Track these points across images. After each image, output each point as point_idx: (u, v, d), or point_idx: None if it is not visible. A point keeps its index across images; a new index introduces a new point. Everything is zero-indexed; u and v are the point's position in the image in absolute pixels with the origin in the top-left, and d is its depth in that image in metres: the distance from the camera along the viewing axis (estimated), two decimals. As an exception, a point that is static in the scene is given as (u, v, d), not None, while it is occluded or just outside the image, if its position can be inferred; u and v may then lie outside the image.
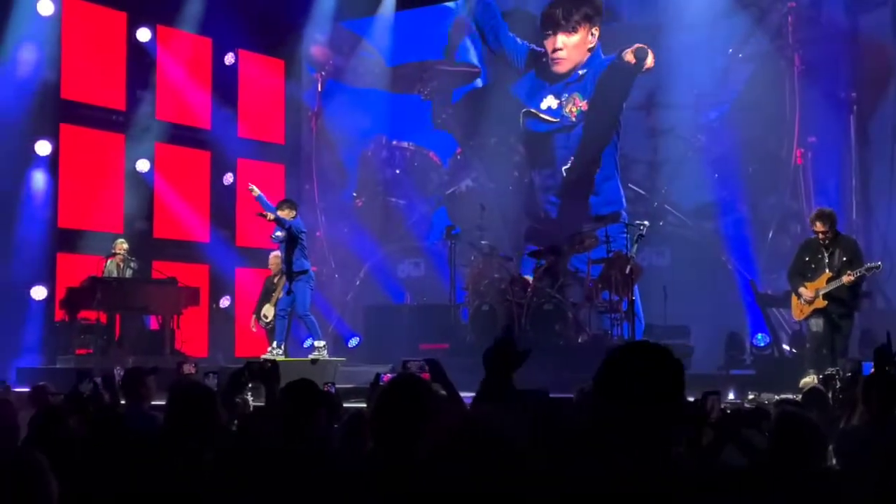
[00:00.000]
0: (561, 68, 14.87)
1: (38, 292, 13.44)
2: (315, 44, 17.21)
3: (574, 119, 14.76)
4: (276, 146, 17.05)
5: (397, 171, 16.75)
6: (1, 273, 12.82)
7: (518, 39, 15.48)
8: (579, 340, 11.85)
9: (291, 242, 11.57)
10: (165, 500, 3.00)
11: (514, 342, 2.58)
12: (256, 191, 11.58)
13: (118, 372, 6.19)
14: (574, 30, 14.71)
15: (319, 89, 17.43)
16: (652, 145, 14.46)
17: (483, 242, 12.97)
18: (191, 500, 3.02)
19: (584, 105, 14.66)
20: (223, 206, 15.99)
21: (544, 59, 15.10)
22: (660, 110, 14.29)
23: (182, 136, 15.57)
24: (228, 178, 16.08)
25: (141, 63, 14.94)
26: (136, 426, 4.93)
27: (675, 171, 14.17)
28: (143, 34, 14.94)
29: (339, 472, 3.22)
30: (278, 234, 11.76)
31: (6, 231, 13.00)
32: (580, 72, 14.76)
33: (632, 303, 11.18)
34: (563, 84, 14.90)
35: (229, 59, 16.21)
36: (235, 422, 4.90)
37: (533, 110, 15.11)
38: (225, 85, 16.14)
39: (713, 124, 14.06)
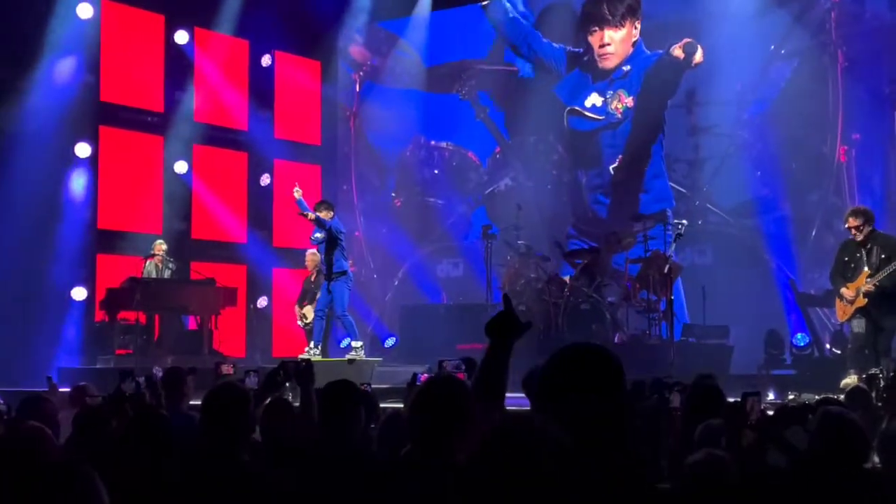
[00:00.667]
0: (609, 63, 14.73)
1: (79, 293, 13.57)
2: (353, 44, 17.24)
3: (620, 116, 14.63)
4: (313, 147, 17.10)
5: (436, 171, 16.73)
6: (42, 274, 12.94)
7: (554, 44, 15.39)
8: (616, 340, 11.77)
9: (330, 243, 11.58)
10: (204, 500, 2.99)
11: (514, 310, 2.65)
12: (299, 193, 11.57)
13: (157, 372, 6.22)
14: (620, 24, 14.59)
15: (357, 90, 17.46)
16: (693, 143, 14.30)
17: (519, 242, 12.91)
18: (229, 500, 3.00)
19: (629, 101, 14.54)
20: (260, 206, 16.07)
21: (586, 58, 14.99)
22: (701, 108, 14.15)
23: (219, 137, 15.67)
24: (265, 179, 16.16)
25: (179, 65, 15.05)
26: (175, 425, 4.94)
27: (717, 169, 14.02)
28: (181, 36, 15.05)
29: (376, 473, 3.19)
30: (317, 234, 11.76)
31: (47, 233, 13.11)
32: (624, 68, 14.63)
33: (670, 302, 11.07)
34: (607, 81, 14.79)
35: (266, 60, 16.29)
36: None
37: (577, 108, 15.01)
38: (261, 86, 16.22)
39: (755, 121, 13.89)
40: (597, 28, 14.79)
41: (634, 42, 14.61)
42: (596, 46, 14.81)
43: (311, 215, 11.45)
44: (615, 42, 14.67)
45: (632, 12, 14.55)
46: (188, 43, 15.14)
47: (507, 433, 1.85)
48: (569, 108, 15.10)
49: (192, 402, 6.09)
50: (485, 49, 16.38)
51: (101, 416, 4.44)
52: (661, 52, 14.29)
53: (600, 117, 14.80)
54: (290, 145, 16.55)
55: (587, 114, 14.92)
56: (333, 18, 16.70)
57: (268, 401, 4.75)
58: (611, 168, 14.67)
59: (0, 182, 12.30)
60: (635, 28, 14.58)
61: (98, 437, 4.06)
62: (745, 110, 13.96)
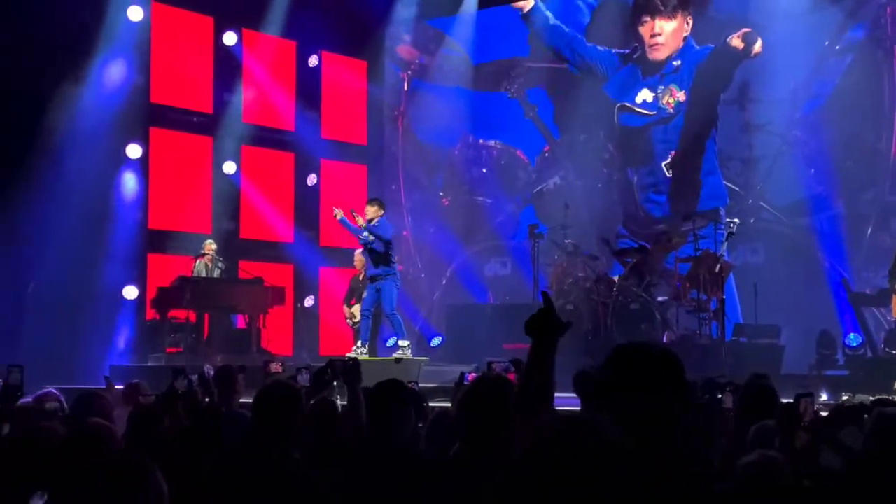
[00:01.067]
0: (659, 55, 14.59)
1: (130, 292, 13.75)
2: (401, 43, 17.25)
3: (672, 110, 14.46)
4: (359, 147, 17.15)
5: (484, 170, 16.67)
6: (94, 274, 13.12)
7: (599, 48, 15.26)
8: (665, 340, 11.65)
9: (380, 243, 11.53)
10: (256, 499, 3.00)
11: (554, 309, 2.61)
12: (339, 214, 11.55)
13: (208, 369, 6.27)
14: (672, 15, 14.43)
15: (405, 88, 17.45)
16: (746, 141, 14.12)
17: (567, 241, 12.84)
18: (280, 498, 3.01)
19: (682, 96, 14.36)
20: (307, 206, 16.16)
21: (636, 55, 14.84)
22: (754, 105, 13.95)
23: (267, 137, 15.78)
24: (312, 179, 16.25)
25: (227, 66, 15.18)
26: (226, 423, 4.97)
27: (770, 167, 13.82)
28: (230, 38, 15.18)
29: (425, 472, 3.18)
30: (368, 236, 11.64)
31: (99, 233, 13.30)
32: (675, 62, 14.47)
33: (722, 301, 10.94)
34: (657, 76, 14.64)
35: (313, 61, 16.38)
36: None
37: (628, 104, 14.87)
38: (308, 86, 16.31)
39: (808, 119, 13.66)
40: (648, 18, 14.63)
41: (685, 36, 14.44)
42: (647, 37, 14.65)
43: (367, 235, 11.35)
44: (666, 33, 14.50)
45: (683, 5, 14.39)
46: (236, 44, 15.27)
47: (557, 432, 1.83)
48: (619, 104, 14.97)
49: (242, 400, 6.14)
50: (530, 47, 16.28)
51: (154, 414, 4.48)
52: (712, 45, 14.12)
53: (651, 112, 14.66)
54: (337, 145, 16.62)
55: (638, 109, 14.78)
56: (379, 18, 16.73)
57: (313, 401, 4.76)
58: (663, 165, 14.51)
59: (54, 183, 12.48)
60: (687, 22, 14.40)
61: (151, 434, 4.09)
62: (798, 108, 13.74)
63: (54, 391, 5.28)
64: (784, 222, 13.65)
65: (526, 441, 1.90)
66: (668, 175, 14.51)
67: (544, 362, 2.64)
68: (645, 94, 14.71)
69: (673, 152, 14.46)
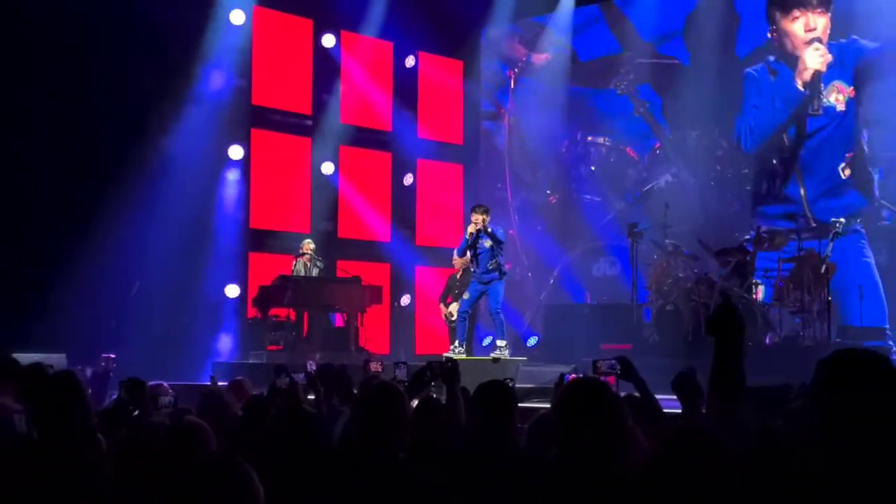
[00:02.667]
0: (817, 56, 13.73)
1: (232, 290, 14.04)
2: (507, 41, 17.16)
3: (842, 107, 13.57)
4: (455, 146, 17.20)
5: (592, 168, 16.44)
6: (197, 273, 13.44)
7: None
8: (767, 342, 11.38)
9: (499, 247, 11.41)
10: (362, 497, 3.03)
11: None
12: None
13: (310, 364, 6.36)
14: (827, 9, 13.66)
15: (512, 86, 17.37)
16: (866, 137, 13.50)
17: (667, 241, 12.63)
18: (386, 498, 3.03)
19: (851, 91, 13.49)
20: (404, 206, 16.28)
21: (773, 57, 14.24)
22: (870, 100, 13.26)
23: (364, 138, 15.95)
24: (409, 179, 16.36)
25: (326, 68, 15.40)
26: (328, 420, 5.03)
27: (892, 164, 13.29)
28: (328, 40, 15.40)
29: (529, 477, 3.15)
30: (484, 243, 11.44)
31: (202, 232, 13.62)
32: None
33: (828, 303, 10.63)
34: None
35: (410, 61, 16.49)
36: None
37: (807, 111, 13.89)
38: (405, 87, 16.42)
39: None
40: (798, 14, 13.84)
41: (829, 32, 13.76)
42: (804, 30, 13.78)
43: (488, 242, 11.20)
44: (819, 29, 13.67)
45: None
46: (335, 46, 15.47)
47: (686, 443, 1.80)
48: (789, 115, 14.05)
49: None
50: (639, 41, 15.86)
51: (263, 410, 4.57)
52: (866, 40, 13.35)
53: (818, 112, 13.75)
54: (433, 145, 16.71)
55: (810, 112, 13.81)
56: (475, 18, 16.74)
57: (416, 401, 4.78)
58: (840, 169, 13.63)
59: (160, 184, 12.81)
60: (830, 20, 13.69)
61: (259, 431, 4.16)
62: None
63: (165, 384, 5.44)
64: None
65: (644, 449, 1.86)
66: (843, 177, 13.62)
67: (724, 360, 2.61)
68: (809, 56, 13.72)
69: (849, 154, 13.59)
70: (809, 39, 13.76)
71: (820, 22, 13.73)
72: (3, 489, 2.74)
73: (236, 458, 2.47)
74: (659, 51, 15.62)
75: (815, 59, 13.70)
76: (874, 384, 2.16)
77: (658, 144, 15.67)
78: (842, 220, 11.52)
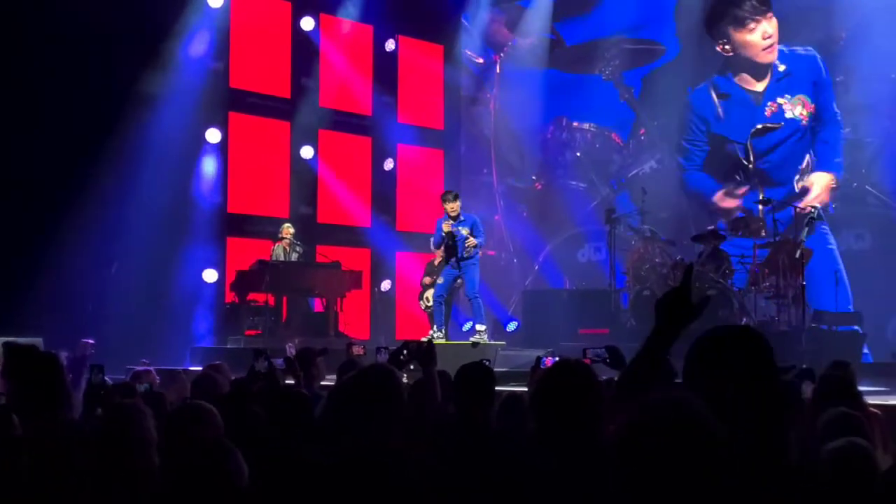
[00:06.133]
0: (773, 58, 13.97)
1: (210, 275, 13.99)
2: (491, 25, 17.11)
3: (806, 123, 13.78)
4: (435, 131, 17.19)
5: (577, 154, 16.46)
6: (176, 257, 13.38)
7: None
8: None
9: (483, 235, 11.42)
10: (347, 478, 3.04)
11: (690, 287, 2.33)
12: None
13: (290, 348, 6.36)
14: (769, 15, 13.87)
15: (498, 71, 17.35)
16: (850, 123, 13.60)
17: (644, 227, 12.71)
18: (375, 482, 3.04)
19: (812, 107, 13.71)
20: (384, 191, 16.26)
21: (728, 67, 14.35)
22: (859, 85, 13.33)
23: (344, 122, 15.91)
24: (389, 164, 16.34)
25: (305, 51, 15.33)
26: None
27: (878, 149, 13.32)
28: (307, 23, 15.33)
29: (508, 455, 3.18)
30: (462, 230, 11.42)
31: (180, 216, 13.55)
32: (780, 67, 13.93)
33: (802, 288, 10.74)
34: (772, 83, 13.99)
35: (390, 45, 16.44)
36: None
37: (760, 126, 14.04)
38: (385, 71, 16.38)
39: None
40: (752, 22, 13.99)
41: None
42: (761, 38, 13.95)
43: (465, 230, 11.17)
44: (774, 34, 13.82)
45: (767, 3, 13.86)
46: (314, 29, 15.40)
47: (653, 415, 1.82)
48: (753, 129, 14.09)
49: (322, 383, 6.23)
50: (624, 26, 15.86)
51: (245, 394, 4.59)
52: (807, 47, 13.61)
53: (779, 125, 13.95)
54: (413, 130, 16.68)
55: (770, 126, 13.99)
56: (456, 2, 16.72)
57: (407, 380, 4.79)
58: (795, 181, 13.80)
59: (136, 168, 12.73)
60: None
61: (242, 415, 4.18)
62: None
63: (152, 370, 5.47)
64: (892, 206, 13.20)
65: (619, 424, 1.88)
66: (797, 189, 13.77)
67: (663, 347, 2.44)
68: (770, 107, 13.96)
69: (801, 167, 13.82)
70: (768, 46, 13.97)
71: (773, 25, 13.92)
72: None
73: (221, 439, 2.50)
74: (643, 36, 15.64)
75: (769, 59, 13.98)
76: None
77: (643, 131, 15.71)
78: (817, 205, 11.62)
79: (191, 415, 3.51)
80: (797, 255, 11.17)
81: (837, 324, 11.71)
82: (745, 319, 11.54)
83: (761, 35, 14.03)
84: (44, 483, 2.72)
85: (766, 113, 14.04)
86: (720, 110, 14.56)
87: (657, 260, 12.43)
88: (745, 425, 2.15)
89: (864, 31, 13.05)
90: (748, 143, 14.09)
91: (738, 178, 14.21)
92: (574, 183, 16.29)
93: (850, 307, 12.51)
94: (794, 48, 13.90)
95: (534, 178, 16.91)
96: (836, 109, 13.57)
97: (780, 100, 13.95)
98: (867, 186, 13.36)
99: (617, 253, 12.90)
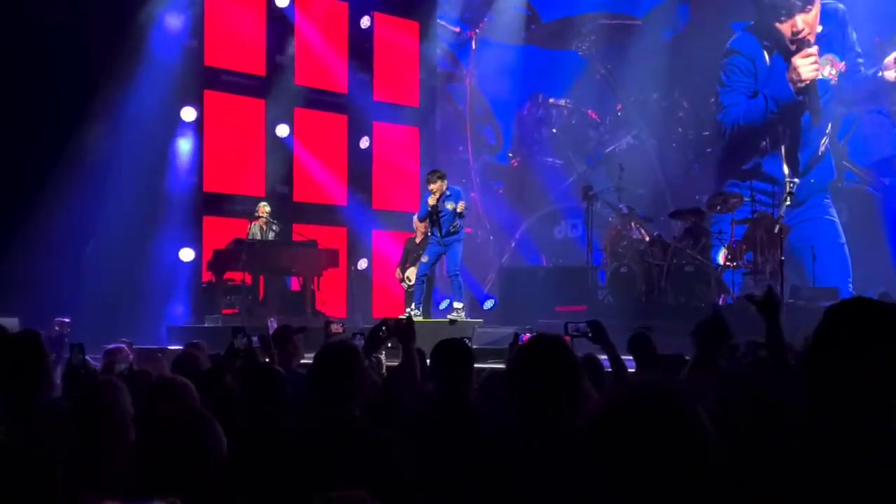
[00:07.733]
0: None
1: (186, 254, 13.92)
2: (467, 1, 17.01)
3: (835, 82, 13.67)
4: (411, 109, 17.11)
5: (554, 131, 16.42)
6: (151, 236, 13.30)
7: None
8: (720, 303, 11.54)
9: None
10: (317, 454, 3.05)
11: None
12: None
13: (271, 323, 6.34)
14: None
15: (473, 47, 17.26)
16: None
17: (621, 204, 12.74)
18: (343, 456, 3.05)
19: (843, 66, 13.58)
20: (360, 169, 16.20)
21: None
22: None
23: (319, 100, 15.81)
24: (365, 142, 16.26)
25: (280, 28, 15.20)
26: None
27: (855, 124, 13.41)
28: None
29: (487, 433, 3.19)
30: (447, 205, 11.34)
31: (155, 196, 13.46)
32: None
33: (781, 263, 10.80)
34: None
35: (365, 22, 16.33)
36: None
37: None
38: (361, 48, 16.28)
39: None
40: (784, 17, 13.87)
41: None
42: (788, 35, 13.86)
43: (450, 205, 11.07)
44: (808, 25, 13.73)
45: None
46: (289, 6, 15.26)
47: (631, 395, 1.82)
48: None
49: (301, 362, 6.21)
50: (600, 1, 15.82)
51: (219, 372, 4.60)
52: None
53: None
54: (389, 107, 16.60)
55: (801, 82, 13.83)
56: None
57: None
58: (822, 142, 13.79)
59: (111, 146, 12.62)
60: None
61: (217, 392, 4.18)
62: (882, 62, 13.23)
63: (125, 347, 5.46)
64: (867, 181, 13.29)
65: (597, 404, 1.88)
66: (820, 153, 13.76)
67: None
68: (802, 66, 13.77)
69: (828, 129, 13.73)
70: (799, 44, 13.79)
71: (806, 20, 13.73)
72: None
73: (200, 409, 2.52)
74: (619, 11, 15.59)
75: (808, 69, 13.75)
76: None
77: (620, 106, 15.70)
78: (795, 180, 11.67)
79: (169, 389, 3.52)
80: (776, 231, 11.23)
81: (815, 299, 11.78)
82: (722, 295, 11.61)
83: (790, 29, 13.84)
84: (24, 464, 2.70)
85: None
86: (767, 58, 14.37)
87: (634, 237, 12.47)
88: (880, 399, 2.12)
89: (846, 4, 13.13)
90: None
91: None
92: (550, 159, 16.27)
93: (850, 280, 12.60)
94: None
95: (510, 154, 16.88)
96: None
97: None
98: (844, 162, 13.45)
99: (594, 230, 12.90)
